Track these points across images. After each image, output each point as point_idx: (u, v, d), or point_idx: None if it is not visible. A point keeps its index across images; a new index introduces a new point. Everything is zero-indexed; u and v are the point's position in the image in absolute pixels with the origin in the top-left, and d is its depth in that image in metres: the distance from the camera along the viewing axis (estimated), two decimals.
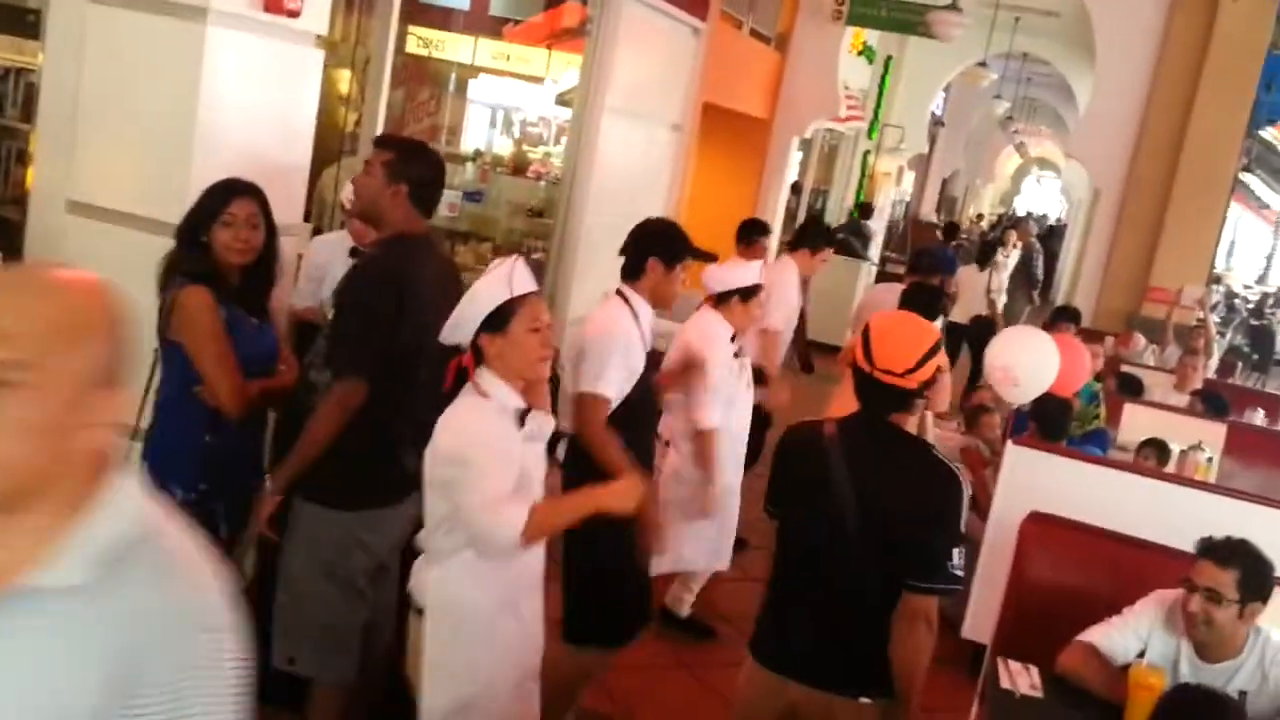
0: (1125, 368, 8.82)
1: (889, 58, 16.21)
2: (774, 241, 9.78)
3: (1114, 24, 11.37)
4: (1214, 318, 12.19)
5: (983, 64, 16.33)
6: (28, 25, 5.07)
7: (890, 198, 19.39)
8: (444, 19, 9.39)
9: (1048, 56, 17.61)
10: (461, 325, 3.00)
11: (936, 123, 20.98)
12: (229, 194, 3.61)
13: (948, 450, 5.30)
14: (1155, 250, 11.33)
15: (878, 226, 16.97)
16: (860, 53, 14.46)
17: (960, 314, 11.37)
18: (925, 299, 6.12)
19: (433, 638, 3.07)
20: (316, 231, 5.50)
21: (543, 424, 3.17)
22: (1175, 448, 6.30)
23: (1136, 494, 4.66)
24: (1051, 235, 25.53)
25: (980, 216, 34.33)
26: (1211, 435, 6.60)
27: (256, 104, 4.29)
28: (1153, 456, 6.21)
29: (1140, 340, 9.96)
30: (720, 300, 5.14)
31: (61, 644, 1.37)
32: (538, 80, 9.58)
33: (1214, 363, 10.02)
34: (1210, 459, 6.33)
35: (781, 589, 3.26)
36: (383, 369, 3.44)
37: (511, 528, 2.91)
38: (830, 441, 3.09)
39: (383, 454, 3.54)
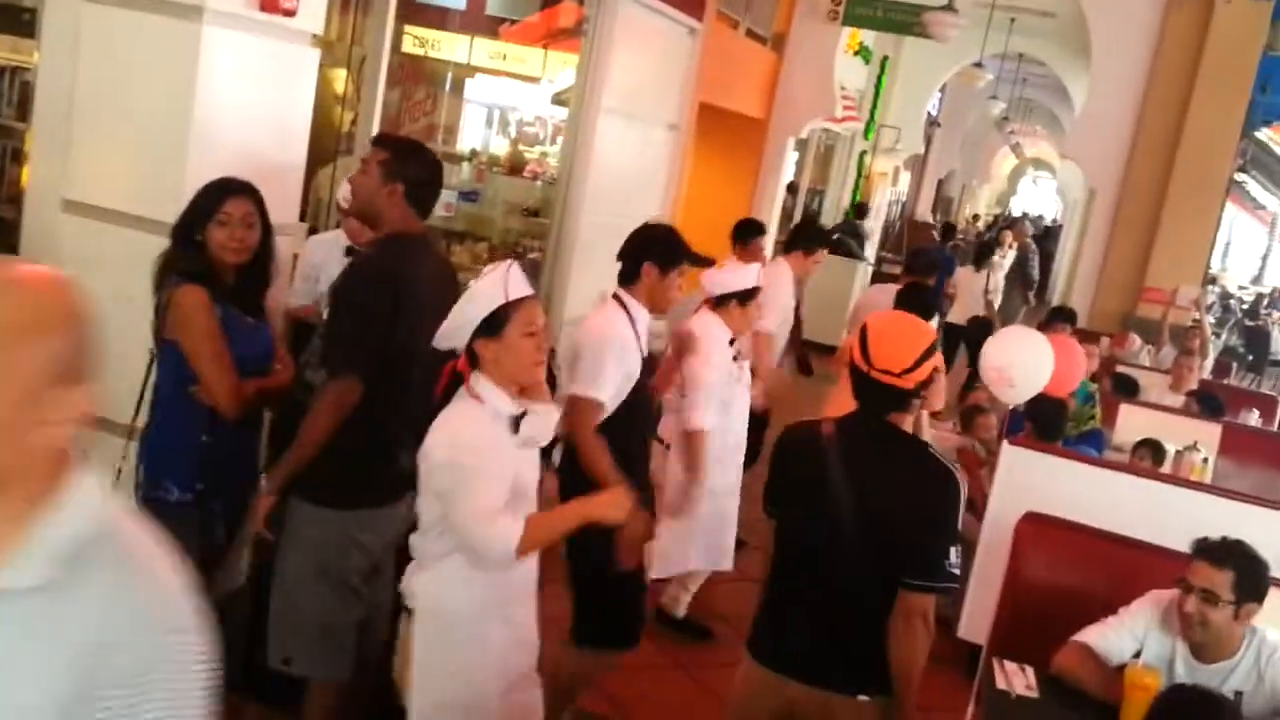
0: (1120, 368, 8.83)
1: (885, 58, 16.23)
2: (770, 241, 9.77)
3: (1110, 25, 11.39)
4: (1209, 318, 12.18)
5: (978, 65, 16.33)
6: (23, 24, 5.07)
7: (886, 198, 19.40)
8: (440, 18, 9.38)
9: (1043, 57, 17.63)
10: (457, 330, 2.99)
11: (932, 123, 21.01)
12: (224, 193, 3.61)
13: (944, 450, 5.30)
14: (1151, 251, 11.34)
15: (874, 227, 16.98)
16: (856, 53, 14.48)
17: (958, 315, 11.39)
18: (920, 299, 6.14)
19: (421, 639, 3.06)
20: (312, 231, 5.49)
21: (547, 418, 3.18)
22: (1170, 448, 6.30)
23: (1132, 494, 4.67)
24: (1047, 236, 25.56)
25: (976, 217, 34.35)
26: (1207, 436, 6.61)
27: (252, 103, 4.29)
28: (1148, 457, 6.22)
29: (1135, 341, 9.97)
30: (719, 303, 5.15)
31: (24, 644, 1.35)
32: (534, 80, 9.56)
33: (1209, 363, 10.03)
34: (1205, 459, 6.34)
35: (779, 588, 3.27)
36: (378, 368, 3.44)
37: (506, 541, 2.91)
38: (828, 441, 3.10)
39: (378, 453, 3.54)
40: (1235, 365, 13.63)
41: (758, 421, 5.95)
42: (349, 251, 4.52)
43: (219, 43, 4.06)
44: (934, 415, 5.74)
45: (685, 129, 9.72)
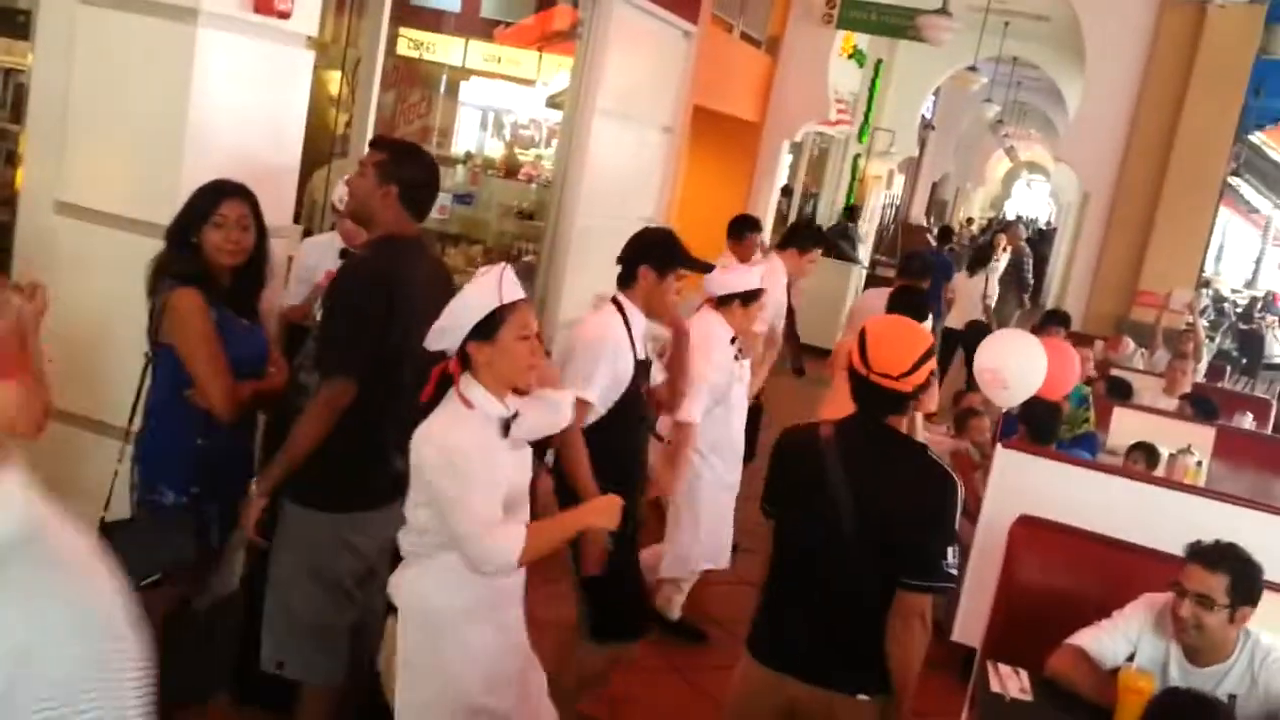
0: (1114, 371, 8.84)
1: (879, 61, 16.25)
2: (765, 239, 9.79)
3: (1103, 29, 11.41)
4: (1203, 322, 12.21)
5: (973, 68, 16.35)
6: (18, 26, 5.06)
7: (880, 201, 19.42)
8: (435, 21, 9.38)
9: (1037, 61, 17.66)
10: (449, 332, 2.99)
11: (926, 126, 21.02)
12: (219, 195, 3.60)
13: (938, 454, 5.31)
14: (1145, 254, 11.37)
15: (868, 230, 16.99)
16: (850, 56, 14.50)
17: (955, 319, 11.41)
18: (912, 302, 6.15)
19: (404, 637, 3.07)
20: (307, 233, 5.49)
21: (559, 407, 3.29)
22: (1164, 451, 6.31)
23: (1126, 497, 4.67)
24: (1041, 239, 25.61)
25: (970, 220, 34.41)
26: (1200, 439, 6.62)
27: (247, 105, 4.28)
28: (1142, 460, 6.22)
29: (1129, 344, 9.99)
30: (721, 302, 5.19)
31: None
32: (529, 83, 9.56)
33: (1203, 366, 10.05)
34: (1199, 463, 6.35)
35: (778, 590, 3.29)
36: (372, 371, 3.43)
37: (509, 551, 2.92)
38: (827, 444, 3.14)
39: (371, 456, 3.53)
40: (1229, 369, 13.63)
41: (752, 418, 5.97)
42: (344, 254, 4.52)
43: (213, 45, 4.05)
44: (928, 418, 5.76)
45: (680, 132, 9.72)
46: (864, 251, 16.19)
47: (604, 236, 6.94)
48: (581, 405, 3.96)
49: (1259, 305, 22.38)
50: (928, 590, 3.04)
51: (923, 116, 19.25)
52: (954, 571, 3.04)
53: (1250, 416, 8.13)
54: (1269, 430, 8.31)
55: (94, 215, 4.22)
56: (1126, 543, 4.23)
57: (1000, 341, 5.42)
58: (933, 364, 3.12)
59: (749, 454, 5.95)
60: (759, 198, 12.53)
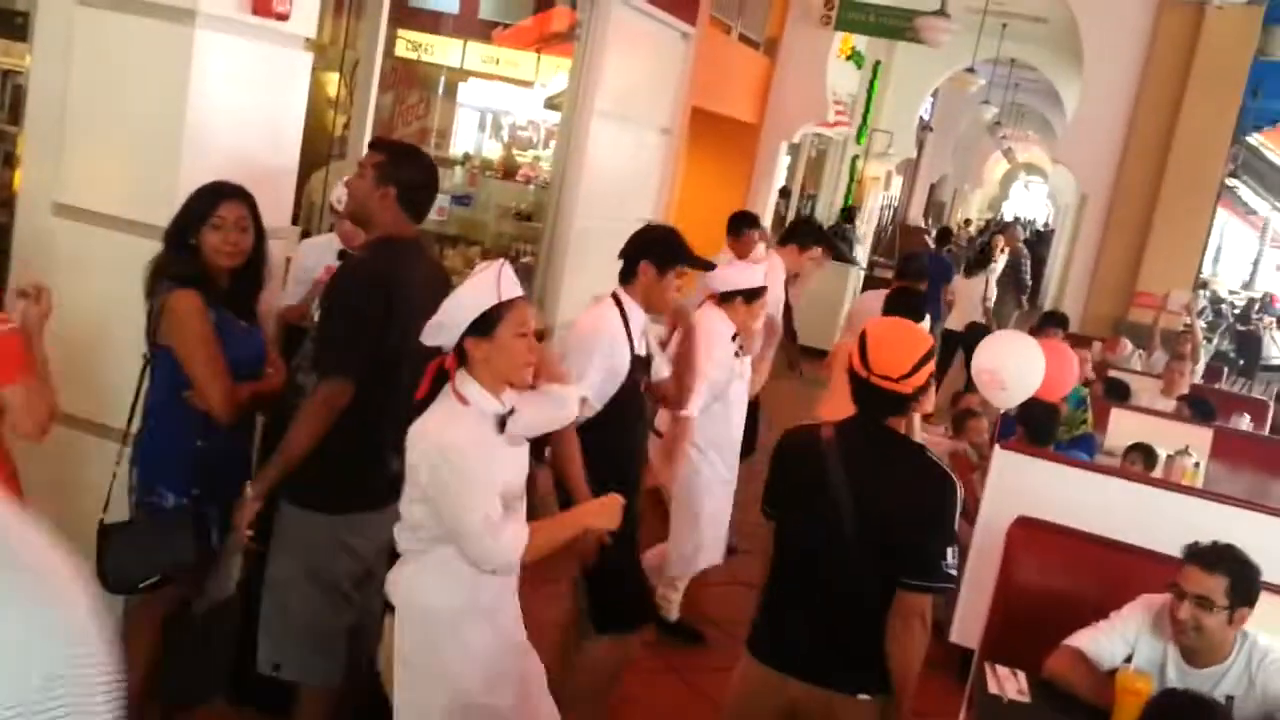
0: (1112, 373, 8.85)
1: (877, 63, 16.26)
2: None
3: (1101, 30, 11.42)
4: (1200, 323, 12.23)
5: (971, 69, 16.36)
6: (16, 27, 5.06)
7: (878, 203, 19.43)
8: (433, 22, 9.38)
9: (1035, 62, 17.67)
10: (446, 328, 2.98)
11: (924, 128, 21.02)
12: (217, 197, 3.60)
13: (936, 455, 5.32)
14: (1142, 255, 11.38)
15: (866, 231, 16.99)
16: (849, 58, 14.49)
17: (955, 321, 11.42)
18: (909, 304, 6.18)
19: (401, 634, 3.07)
20: (305, 234, 5.48)
21: (565, 401, 3.33)
22: (1162, 452, 6.32)
23: (1124, 499, 4.67)
24: (1039, 241, 25.61)
25: (968, 222, 34.41)
26: (1198, 440, 6.63)
27: (245, 107, 4.28)
28: (1140, 461, 6.23)
29: (1127, 345, 9.99)
30: (724, 299, 5.20)
31: None
32: (527, 84, 9.56)
33: (1200, 368, 10.06)
34: (1197, 464, 6.35)
35: (778, 591, 3.31)
36: (370, 372, 3.44)
37: (511, 550, 2.94)
38: (827, 445, 3.16)
39: (369, 457, 3.53)
40: (1226, 370, 13.64)
41: (750, 412, 5.99)
42: (342, 255, 4.52)
43: (211, 47, 4.05)
44: (925, 419, 5.76)
45: (678, 133, 9.72)
46: (861, 253, 16.19)
47: (602, 238, 6.93)
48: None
49: (1256, 306, 22.41)
50: (927, 590, 3.06)
51: (921, 118, 19.25)
52: (954, 572, 3.06)
53: (1248, 418, 8.14)
54: (1266, 431, 8.32)
55: (92, 217, 4.22)
56: (1124, 544, 4.23)
57: (999, 343, 5.43)
58: (932, 366, 3.14)
59: (749, 448, 5.97)
60: (757, 199, 12.53)
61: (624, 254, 4.28)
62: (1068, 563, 4.28)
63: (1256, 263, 31.97)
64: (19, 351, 3.27)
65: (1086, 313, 11.59)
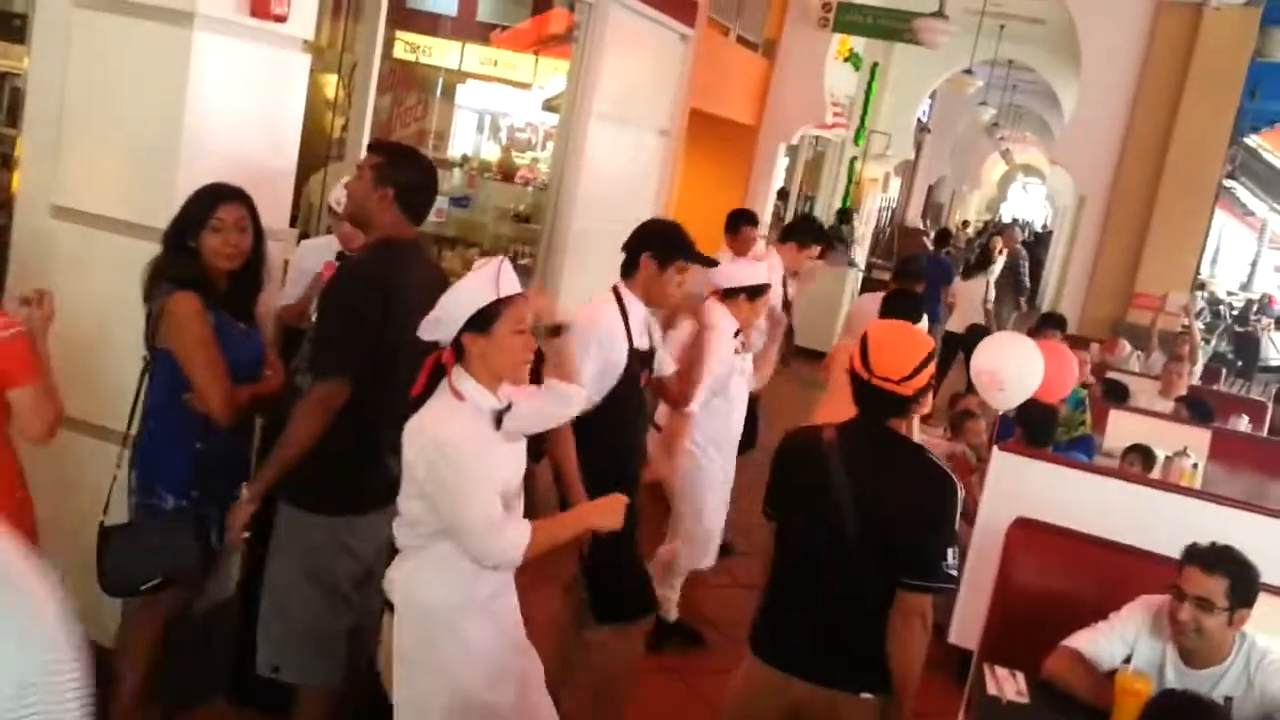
0: (1111, 374, 8.86)
1: (875, 64, 16.25)
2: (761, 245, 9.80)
3: (1099, 32, 11.42)
4: (1199, 324, 12.23)
5: (968, 71, 16.36)
6: (14, 30, 5.06)
7: (877, 204, 19.42)
8: (431, 24, 9.39)
9: (1033, 64, 17.67)
10: (444, 323, 2.98)
11: (922, 129, 21.02)
12: (217, 199, 3.60)
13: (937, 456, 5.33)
14: (1140, 257, 11.38)
15: (864, 232, 16.98)
16: (847, 59, 14.49)
17: (956, 323, 11.43)
18: (904, 306, 6.19)
19: (400, 631, 3.07)
20: (303, 236, 5.48)
21: (570, 397, 3.33)
22: (1160, 454, 6.32)
23: (1122, 500, 4.67)
24: (1037, 242, 25.63)
25: (966, 223, 34.42)
26: (1196, 441, 6.63)
27: (243, 109, 4.28)
28: (1138, 462, 6.23)
29: (1125, 346, 9.99)
30: (727, 295, 5.21)
31: None
32: (525, 86, 9.57)
33: (1199, 369, 10.06)
34: (1195, 465, 6.35)
35: (780, 591, 3.32)
36: (369, 373, 3.43)
37: (514, 548, 2.94)
38: (829, 447, 3.17)
39: (368, 459, 3.53)
40: (1225, 371, 13.65)
41: (750, 405, 6.01)
42: (340, 257, 4.52)
43: (210, 49, 4.05)
44: (924, 420, 5.77)
45: (676, 135, 9.72)
46: (859, 254, 16.18)
47: (601, 239, 6.93)
48: None
49: (1254, 308, 22.45)
50: (928, 590, 3.08)
51: (919, 120, 19.25)
52: (954, 572, 3.07)
53: (1246, 419, 8.14)
54: (1264, 433, 8.32)
55: (90, 219, 4.22)
56: (1123, 545, 4.23)
57: (998, 344, 5.44)
58: (933, 368, 3.16)
59: (748, 444, 5.97)
60: (755, 200, 12.52)
61: (626, 247, 4.29)
62: (1066, 564, 4.29)
63: (1254, 264, 32.00)
64: (27, 354, 3.28)
65: (1085, 314, 11.60)
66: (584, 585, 4.15)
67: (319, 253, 4.78)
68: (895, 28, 12.53)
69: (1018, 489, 4.75)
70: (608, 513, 3.19)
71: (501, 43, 9.52)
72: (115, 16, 4.09)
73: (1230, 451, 6.82)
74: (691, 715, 4.94)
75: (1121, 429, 6.97)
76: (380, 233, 3.60)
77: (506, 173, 8.90)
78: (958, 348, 11.08)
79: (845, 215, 16.10)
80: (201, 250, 3.57)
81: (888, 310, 6.29)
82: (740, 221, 7.37)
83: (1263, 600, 3.46)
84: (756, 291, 5.23)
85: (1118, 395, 8.07)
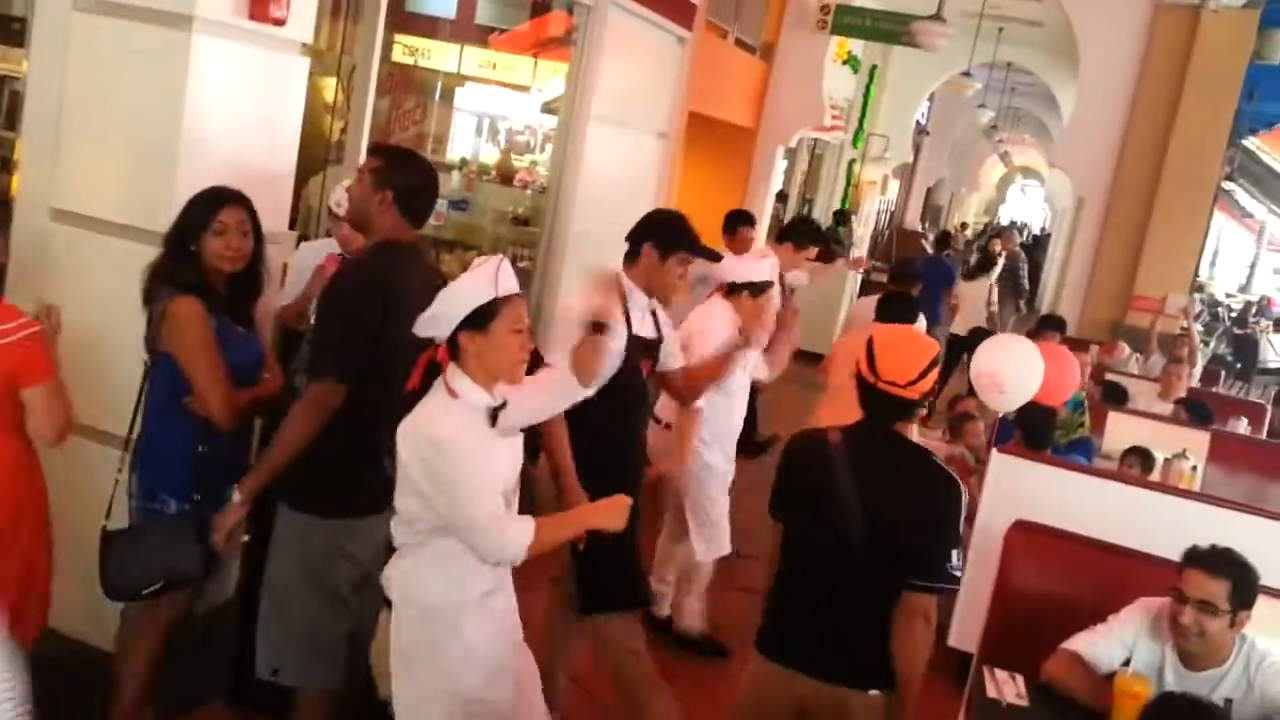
0: (1110, 376, 8.84)
1: (874, 67, 16.27)
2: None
3: (1097, 34, 11.43)
4: (1197, 326, 12.22)
5: (967, 73, 16.38)
6: (13, 33, 5.07)
7: (875, 206, 19.44)
8: (430, 27, 9.40)
9: (1031, 66, 17.70)
10: (441, 320, 2.97)
11: (921, 132, 21.04)
12: (218, 202, 3.60)
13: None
14: (1139, 259, 11.39)
15: (863, 235, 16.99)
16: (845, 62, 14.50)
17: (959, 326, 11.43)
18: (899, 309, 6.19)
19: (399, 628, 3.07)
20: (303, 239, 5.48)
21: (574, 386, 3.28)
22: (1159, 456, 6.32)
23: (1121, 502, 4.67)
24: (1036, 245, 25.64)
25: (964, 225, 34.44)
26: (1195, 443, 6.62)
27: (242, 112, 4.28)
28: (1137, 465, 6.23)
29: (1124, 349, 9.99)
30: (731, 291, 5.23)
31: None
32: (524, 89, 9.57)
33: (1198, 371, 10.06)
34: (1194, 467, 6.35)
35: (786, 593, 3.36)
36: (367, 375, 3.43)
37: (518, 545, 2.94)
38: (835, 450, 3.22)
39: (366, 461, 3.52)
40: (1224, 373, 13.65)
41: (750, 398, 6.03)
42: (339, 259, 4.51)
43: (208, 52, 4.05)
44: (923, 422, 5.77)
45: (675, 137, 9.72)
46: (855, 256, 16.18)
47: (599, 242, 6.94)
48: None
49: (1253, 310, 22.45)
50: (932, 591, 3.13)
51: (917, 122, 19.28)
52: (958, 573, 3.13)
53: (1245, 421, 8.13)
54: (1264, 435, 8.32)
55: (89, 222, 4.22)
56: (1122, 547, 4.23)
57: (998, 346, 5.44)
58: (937, 372, 3.21)
59: (747, 439, 5.97)
60: (754, 203, 12.52)
61: (629, 236, 4.29)
62: (1065, 566, 4.28)
63: (1253, 266, 32.02)
64: (43, 353, 3.31)
65: (1083, 316, 11.61)
66: (572, 578, 4.13)
67: (318, 255, 4.78)
68: (893, 30, 12.54)
69: (1017, 491, 4.75)
70: (610, 513, 3.19)
71: (500, 46, 9.53)
72: (114, 20, 4.09)
73: (1229, 454, 6.82)
74: (693, 716, 4.93)
75: (1120, 431, 6.97)
76: (380, 235, 3.60)
77: (505, 175, 8.90)
78: (961, 350, 11.10)
79: (842, 217, 16.10)
80: (202, 253, 3.57)
81: (883, 313, 6.30)
82: (737, 222, 7.40)
83: (1262, 602, 3.46)
84: (759, 288, 5.24)
85: (1117, 397, 8.06)
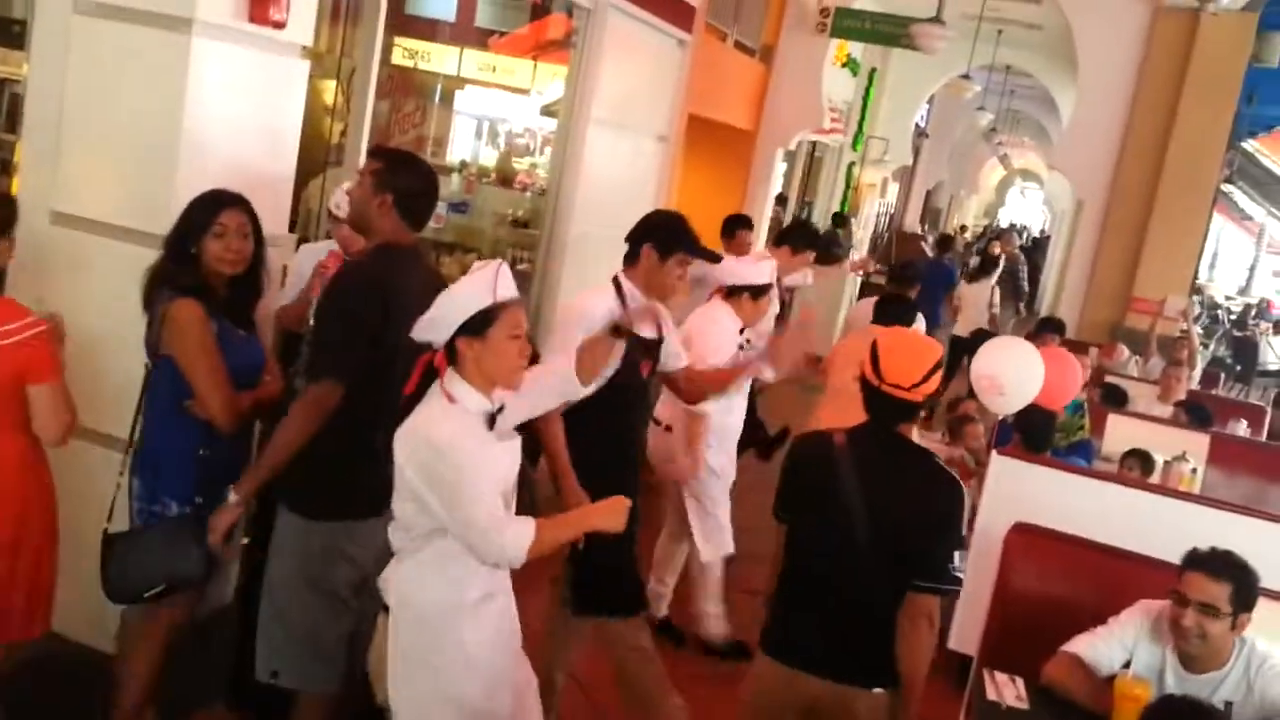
0: (1109, 379, 8.84)
1: (873, 70, 16.26)
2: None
3: (1096, 37, 11.43)
4: (1197, 329, 12.23)
5: (966, 76, 16.37)
6: (13, 36, 5.07)
7: (875, 209, 19.43)
8: (430, 30, 9.40)
9: (1031, 69, 17.70)
10: (438, 324, 2.97)
11: (920, 134, 21.04)
12: (218, 205, 3.61)
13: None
14: (1138, 261, 11.38)
15: (862, 237, 16.98)
16: (844, 65, 14.49)
17: (961, 328, 11.44)
18: (896, 311, 6.20)
19: (397, 632, 3.07)
20: (302, 241, 5.49)
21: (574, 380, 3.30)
22: (1159, 458, 6.32)
23: (1121, 504, 4.67)
24: (1035, 247, 25.64)
25: (964, 228, 34.45)
26: (1195, 446, 6.62)
27: (242, 115, 4.28)
28: (1137, 467, 6.23)
29: (1124, 351, 9.99)
30: (731, 293, 5.23)
31: None
32: (523, 91, 9.58)
33: (1197, 374, 10.06)
34: (1194, 470, 6.35)
35: (790, 593, 3.38)
36: (366, 377, 3.43)
37: (518, 547, 2.93)
38: (840, 452, 3.24)
39: (366, 464, 3.52)
40: (1223, 376, 13.66)
41: (749, 399, 6.03)
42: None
43: (208, 55, 4.06)
44: (922, 424, 5.77)
45: (674, 140, 9.72)
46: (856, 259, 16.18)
47: (599, 245, 6.94)
48: None
49: (1253, 312, 22.46)
50: (935, 592, 3.16)
51: (917, 125, 19.28)
52: (961, 575, 3.19)
53: (1245, 423, 8.12)
54: (1263, 437, 8.31)
55: (89, 225, 4.22)
56: (1122, 550, 4.23)
57: (999, 348, 5.44)
58: (940, 374, 3.23)
59: (747, 438, 5.97)
60: (754, 205, 12.51)
61: (629, 237, 4.29)
62: (1065, 569, 4.28)
63: (1252, 268, 32.04)
64: (49, 352, 3.32)
65: (1083, 319, 11.60)
66: (569, 580, 4.13)
67: (317, 256, 4.79)
68: (893, 33, 12.53)
69: (1016, 494, 4.75)
70: (610, 514, 3.18)
71: (500, 48, 9.54)
72: (114, 23, 4.10)
73: (1229, 456, 6.82)
74: (694, 716, 4.92)
75: (1120, 434, 6.96)
76: (380, 238, 3.60)
77: (505, 178, 8.92)
78: (963, 352, 11.11)
79: (840, 220, 16.10)
80: (203, 256, 3.58)
81: (880, 315, 6.30)
82: (736, 226, 7.41)
83: (1262, 605, 3.46)
84: (759, 290, 5.26)
85: (1116, 400, 8.06)
